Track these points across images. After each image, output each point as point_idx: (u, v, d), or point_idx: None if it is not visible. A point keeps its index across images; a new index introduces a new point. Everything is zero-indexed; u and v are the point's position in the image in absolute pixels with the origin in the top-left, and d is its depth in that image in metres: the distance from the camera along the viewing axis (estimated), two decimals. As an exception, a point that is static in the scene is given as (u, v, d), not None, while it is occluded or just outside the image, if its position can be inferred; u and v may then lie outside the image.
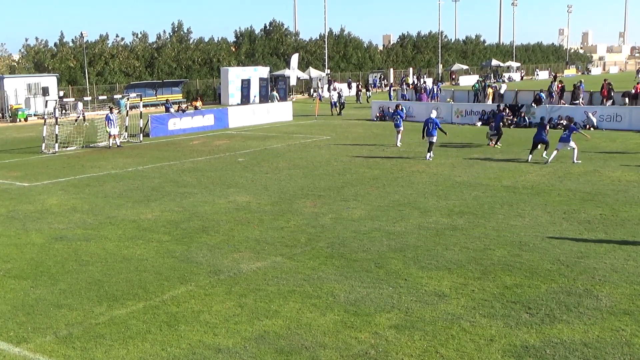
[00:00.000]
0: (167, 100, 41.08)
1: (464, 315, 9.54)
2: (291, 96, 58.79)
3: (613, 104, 37.58)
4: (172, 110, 37.95)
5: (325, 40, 71.41)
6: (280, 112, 41.15)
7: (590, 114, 33.00)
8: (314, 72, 65.85)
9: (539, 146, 23.21)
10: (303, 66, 65.88)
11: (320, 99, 52.33)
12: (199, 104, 42.97)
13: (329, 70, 68.84)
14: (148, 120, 33.38)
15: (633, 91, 39.22)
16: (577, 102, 38.91)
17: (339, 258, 12.30)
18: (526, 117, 34.67)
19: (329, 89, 58.76)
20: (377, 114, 39.66)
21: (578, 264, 11.75)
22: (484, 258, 12.15)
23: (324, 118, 41.36)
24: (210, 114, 36.92)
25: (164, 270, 11.74)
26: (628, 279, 10.89)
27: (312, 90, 64.69)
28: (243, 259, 12.37)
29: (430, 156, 23.97)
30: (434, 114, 25.18)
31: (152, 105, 49.23)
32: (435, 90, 46.53)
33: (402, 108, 29.36)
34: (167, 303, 10.18)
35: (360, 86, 57.76)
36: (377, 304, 9.99)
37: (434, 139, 24.19)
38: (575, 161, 22.35)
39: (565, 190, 18.04)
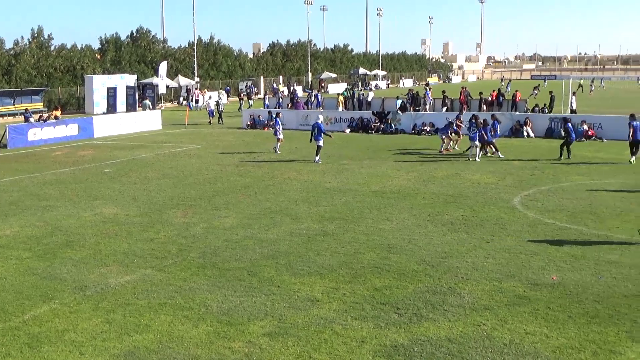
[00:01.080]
0: (26, 109, 38.90)
1: (336, 318, 9.72)
2: (160, 105, 57.52)
3: (447, 110, 39.30)
4: (32, 119, 36.01)
5: (195, 47, 70.50)
6: (148, 121, 40.11)
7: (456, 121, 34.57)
8: (183, 80, 64.79)
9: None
10: (172, 74, 64.68)
11: (190, 107, 51.49)
12: (58, 113, 41.02)
13: (198, 79, 67.98)
14: (5, 131, 31.49)
15: (489, 98, 41.47)
16: (419, 108, 40.76)
17: (211, 268, 12.16)
18: (392, 124, 35.88)
19: (188, 97, 58.18)
20: (248, 122, 39.59)
21: (442, 263, 12.29)
22: (354, 262, 12.43)
23: (193, 127, 40.79)
24: (74, 124, 35.36)
25: (24, 289, 11.11)
26: (488, 276, 11.52)
27: (181, 98, 63.58)
28: (111, 273, 11.95)
29: (317, 159, 24.83)
30: (320, 119, 25.92)
31: (9, 114, 46.54)
32: (319, 98, 47.39)
33: (280, 116, 29.40)
34: (28, 323, 9.64)
35: (242, 94, 57.33)
36: (250, 313, 9.96)
37: (320, 143, 24.99)
38: (478, 159, 24.87)
39: (430, 194, 18.82)
